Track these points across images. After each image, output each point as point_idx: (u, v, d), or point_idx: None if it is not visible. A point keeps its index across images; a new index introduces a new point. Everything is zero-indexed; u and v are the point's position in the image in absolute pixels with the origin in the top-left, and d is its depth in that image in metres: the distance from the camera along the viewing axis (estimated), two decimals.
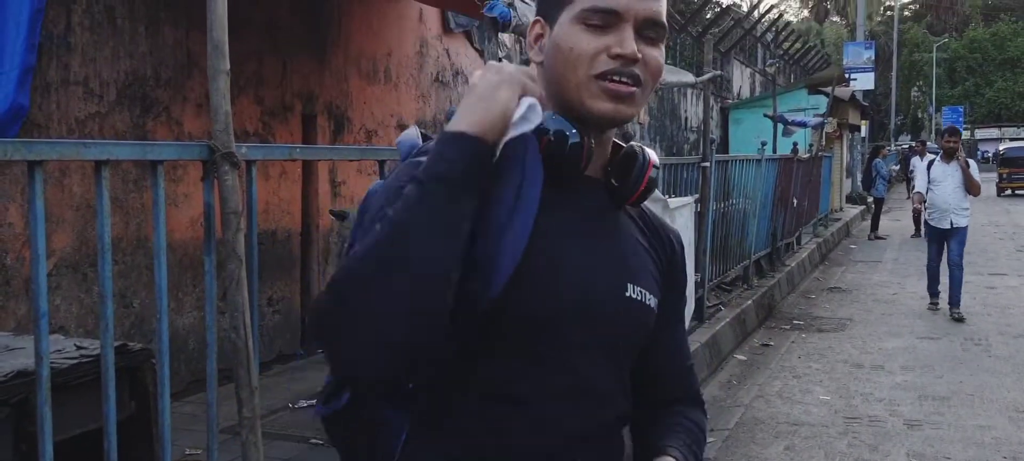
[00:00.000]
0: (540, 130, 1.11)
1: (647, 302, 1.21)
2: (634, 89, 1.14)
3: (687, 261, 5.99)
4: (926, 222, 8.72)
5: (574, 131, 1.12)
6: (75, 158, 1.93)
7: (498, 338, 1.12)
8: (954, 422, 5.20)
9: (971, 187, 8.36)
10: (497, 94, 1.07)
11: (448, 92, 7.86)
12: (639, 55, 1.13)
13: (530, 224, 1.08)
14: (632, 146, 1.23)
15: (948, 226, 8.35)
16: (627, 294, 1.19)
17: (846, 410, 5.47)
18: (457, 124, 1.06)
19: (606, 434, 1.20)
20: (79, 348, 2.28)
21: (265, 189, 5.74)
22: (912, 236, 14.98)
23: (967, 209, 8.44)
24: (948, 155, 8.48)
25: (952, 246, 8.33)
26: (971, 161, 8.65)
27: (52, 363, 1.95)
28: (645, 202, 1.29)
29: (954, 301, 8.28)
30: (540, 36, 1.19)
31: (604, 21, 1.12)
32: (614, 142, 1.24)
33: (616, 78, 1.12)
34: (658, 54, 1.16)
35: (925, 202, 8.68)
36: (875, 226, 15.47)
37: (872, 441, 4.89)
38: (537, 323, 1.13)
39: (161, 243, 2.05)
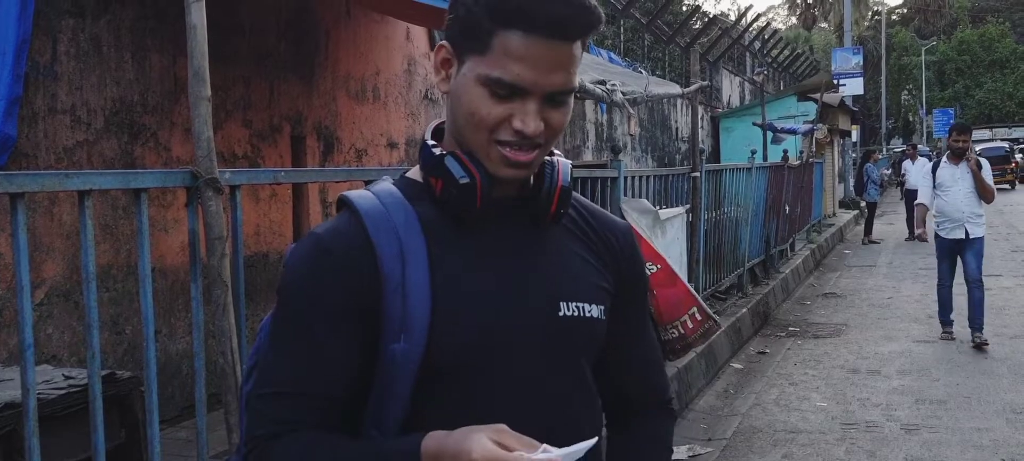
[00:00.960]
0: (433, 173, 1.16)
1: (587, 315, 1.20)
2: (533, 155, 1.14)
3: (681, 271, 5.93)
4: (936, 236, 7.45)
5: (465, 173, 1.13)
6: (58, 189, 1.92)
7: (436, 386, 1.13)
8: (951, 425, 5.20)
9: (984, 193, 7.26)
10: None
11: (437, 109, 7.87)
12: (541, 129, 1.12)
13: (424, 275, 1.12)
14: (547, 160, 1.21)
15: (962, 237, 7.25)
16: (561, 314, 1.18)
17: (843, 416, 5.46)
18: None
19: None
20: (67, 378, 2.27)
21: (255, 212, 5.73)
22: (906, 239, 15.02)
23: (982, 217, 7.33)
24: (957, 156, 7.35)
25: (968, 260, 7.23)
26: (983, 162, 7.46)
27: (40, 394, 1.95)
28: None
29: (976, 324, 7.12)
30: (447, 63, 1.17)
31: (510, 93, 1.11)
32: (546, 159, 1.22)
33: (516, 148, 1.13)
34: (562, 114, 1.15)
35: (921, 220, 7.64)
36: (869, 230, 15.51)
37: (870, 447, 4.88)
38: (468, 362, 1.13)
39: (146, 270, 2.04)
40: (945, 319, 7.57)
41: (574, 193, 1.27)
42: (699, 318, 5.64)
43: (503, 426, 1.05)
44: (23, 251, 1.77)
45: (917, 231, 7.92)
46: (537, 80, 1.10)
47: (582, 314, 1.19)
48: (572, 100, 1.16)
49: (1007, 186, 27.85)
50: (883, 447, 4.87)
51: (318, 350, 1.13)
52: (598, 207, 1.35)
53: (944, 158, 7.59)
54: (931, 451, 4.78)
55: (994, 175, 7.52)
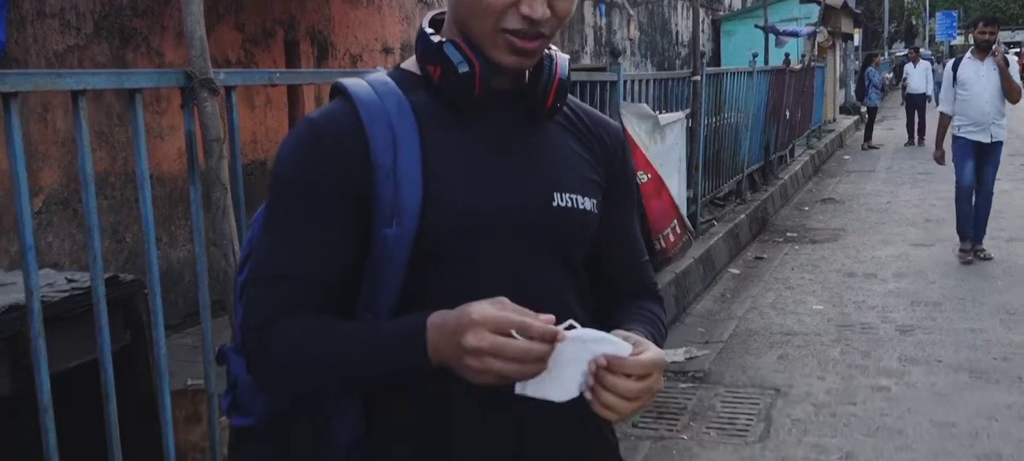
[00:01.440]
0: (431, 61, 1.15)
1: (580, 207, 1.20)
2: (538, 43, 1.13)
3: (679, 177, 5.93)
4: (955, 138, 6.86)
5: (464, 60, 1.13)
6: (51, 88, 1.89)
7: (429, 270, 1.14)
8: (946, 326, 5.27)
9: (1011, 92, 6.70)
10: (468, 369, 1.03)
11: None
12: (548, 14, 1.11)
13: (416, 161, 1.11)
14: (545, 53, 1.19)
15: (987, 140, 6.73)
16: (555, 204, 1.18)
17: (839, 318, 5.53)
18: (431, 354, 1.05)
19: None
20: (70, 281, 2.27)
21: (251, 119, 5.68)
22: (906, 145, 14.96)
23: (1005, 120, 6.82)
24: (982, 51, 6.79)
25: (987, 171, 6.77)
26: (1011, 58, 6.98)
27: (43, 297, 1.95)
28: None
29: (979, 236, 6.81)
30: None
31: None
32: (545, 52, 1.20)
33: (522, 36, 1.11)
34: (569, 1, 1.14)
35: (942, 134, 7.09)
36: (869, 136, 15.44)
37: (864, 347, 4.96)
38: (458, 244, 1.13)
39: (144, 173, 2.02)
40: (966, 230, 6.82)
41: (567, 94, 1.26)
42: (679, 231, 5.67)
43: (504, 298, 1.04)
44: (19, 153, 1.75)
45: (936, 154, 7.27)
46: None
47: (576, 206, 1.19)
48: None
49: None
50: (878, 348, 4.94)
51: (312, 234, 1.12)
52: (590, 107, 1.35)
53: (967, 54, 7.00)
54: (925, 351, 4.85)
55: None
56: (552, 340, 1.02)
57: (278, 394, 1.19)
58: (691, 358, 4.84)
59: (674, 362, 4.73)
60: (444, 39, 1.15)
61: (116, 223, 4.78)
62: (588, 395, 1.05)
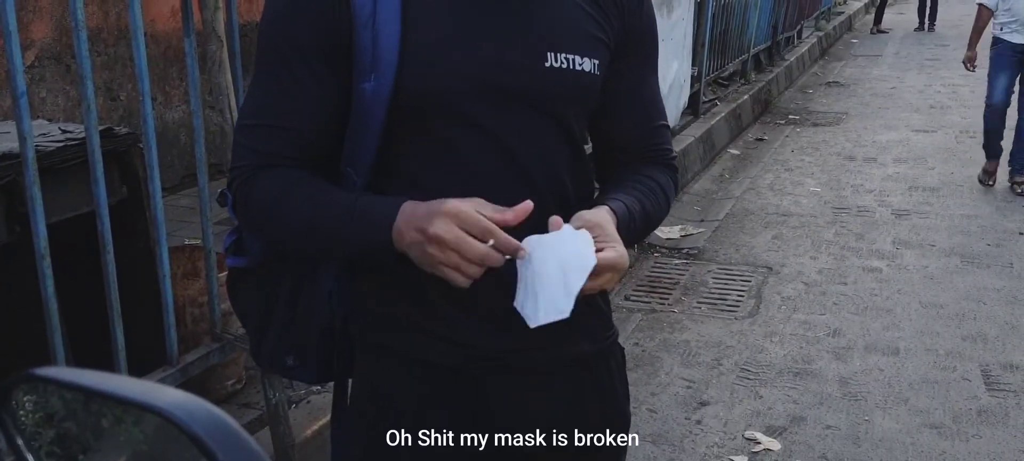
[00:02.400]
0: None
1: (577, 68, 1.14)
2: None
3: (684, 55, 5.81)
4: (997, 41, 5.62)
5: None
6: None
7: (410, 130, 1.11)
8: (941, 211, 5.29)
9: None
10: (428, 257, 1.04)
11: None
12: None
13: (395, 9, 1.07)
14: None
15: None
16: (546, 64, 1.13)
17: (835, 201, 5.55)
18: (395, 236, 1.06)
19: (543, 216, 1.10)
20: (65, 132, 2.25)
21: None
22: (915, 30, 14.63)
23: None
24: None
25: None
26: None
27: (37, 146, 1.92)
28: None
29: (1017, 163, 5.56)
30: None
31: None
32: None
33: None
34: None
35: (978, 34, 5.88)
36: (879, 19, 15.07)
37: (859, 230, 4.99)
38: (438, 102, 1.10)
39: (137, 23, 1.97)
40: (993, 150, 5.69)
41: None
42: None
43: (481, 200, 1.04)
44: None
45: (967, 55, 6.07)
46: None
47: (571, 66, 1.14)
48: None
49: None
50: (872, 230, 4.98)
51: (295, 85, 1.12)
52: None
53: None
54: (918, 234, 4.89)
55: None
56: (513, 252, 1.03)
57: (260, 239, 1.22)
58: (686, 235, 4.88)
59: (669, 239, 4.77)
60: None
61: (110, 80, 4.71)
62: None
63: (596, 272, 1.05)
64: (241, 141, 1.15)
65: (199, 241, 2.83)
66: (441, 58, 1.09)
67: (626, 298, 3.96)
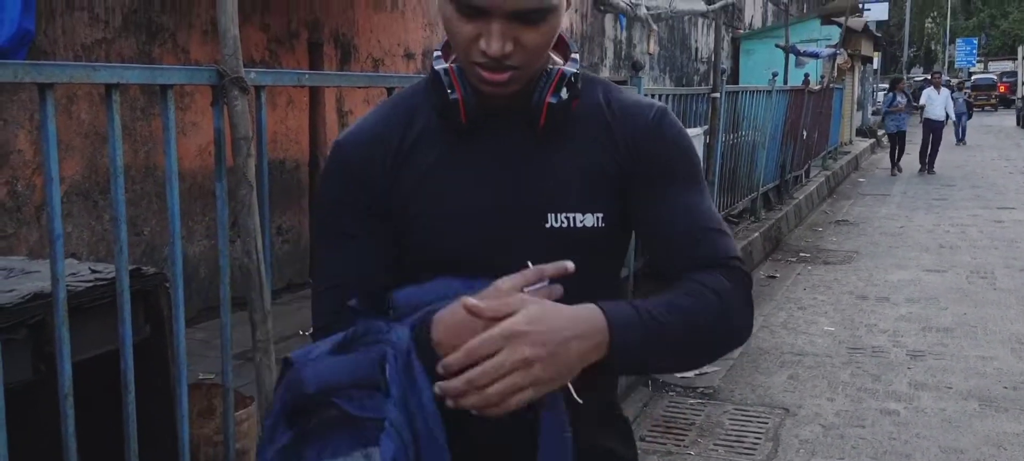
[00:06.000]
0: (433, 84, 1.19)
1: (577, 226, 1.17)
2: (508, 75, 1.12)
3: None
4: None
5: (451, 87, 1.16)
6: (85, 81, 1.92)
7: (422, 272, 1.20)
8: (957, 353, 5.26)
9: None
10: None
11: None
12: (507, 50, 1.09)
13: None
14: (548, 70, 1.18)
15: None
16: (548, 226, 1.17)
17: (850, 341, 5.52)
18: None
19: None
20: (94, 272, 2.31)
21: (272, 118, 5.72)
22: (918, 172, 14.82)
23: None
24: None
25: None
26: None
27: (68, 286, 1.98)
28: (624, 99, 1.23)
29: None
30: None
31: (470, 13, 1.09)
32: (549, 68, 1.19)
33: (487, 69, 1.11)
34: (540, 33, 1.10)
35: None
36: (899, 156, 15.08)
37: (875, 371, 4.95)
38: (441, 268, 1.17)
39: (173, 167, 2.06)
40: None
41: (609, 83, 1.26)
42: None
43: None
44: (52, 142, 1.78)
45: None
46: (493, 1, 1.07)
47: (572, 225, 1.17)
48: (555, 19, 1.12)
49: (991, 109, 34.93)
50: (888, 372, 4.93)
51: (352, 243, 1.21)
52: (630, 93, 1.28)
53: None
54: (935, 377, 4.84)
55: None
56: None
57: None
58: (701, 374, 4.85)
59: (683, 377, 4.74)
60: (445, 65, 1.18)
61: (135, 217, 4.83)
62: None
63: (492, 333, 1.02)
64: (316, 306, 1.24)
65: (213, 376, 2.85)
66: (452, 231, 1.18)
67: (641, 439, 3.90)
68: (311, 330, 1.26)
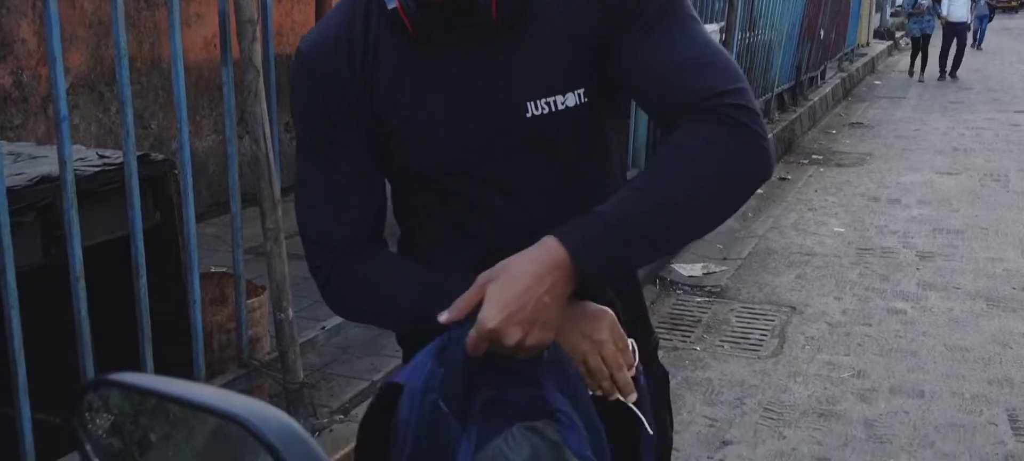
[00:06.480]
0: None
1: (559, 107, 1.11)
2: None
3: None
4: None
5: None
6: None
7: (421, 191, 1.19)
8: (966, 254, 5.25)
9: None
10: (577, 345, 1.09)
11: None
12: None
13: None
14: None
15: None
16: (528, 115, 1.11)
17: (859, 242, 5.52)
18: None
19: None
20: (102, 157, 2.29)
21: (278, 11, 5.61)
22: (939, 79, 14.45)
23: None
24: None
25: None
26: None
27: (76, 170, 1.97)
28: None
29: None
30: None
31: None
32: None
33: None
34: None
35: None
36: (923, 64, 14.52)
37: (883, 271, 4.95)
38: (439, 176, 1.15)
39: (178, 51, 2.02)
40: None
41: None
42: None
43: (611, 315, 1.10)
44: (54, 20, 1.74)
45: None
46: None
47: (554, 108, 1.11)
48: None
49: (1013, 11, 31.80)
50: (896, 272, 4.94)
51: (333, 147, 1.17)
52: None
53: None
54: (943, 277, 4.85)
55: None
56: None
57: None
58: (709, 274, 4.86)
59: (691, 276, 4.76)
60: None
61: (142, 109, 4.79)
62: None
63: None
64: (308, 219, 1.19)
65: (226, 269, 2.86)
66: (419, 147, 1.14)
67: None
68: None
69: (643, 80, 1.11)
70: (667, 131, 1.09)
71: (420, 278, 1.15)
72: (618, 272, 1.13)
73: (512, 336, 1.00)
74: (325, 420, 2.73)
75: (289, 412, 2.43)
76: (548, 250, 1.02)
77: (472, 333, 1.01)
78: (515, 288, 1.00)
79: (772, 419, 3.28)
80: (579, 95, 1.11)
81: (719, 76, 1.06)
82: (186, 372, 2.30)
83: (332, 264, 1.16)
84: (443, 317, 1.03)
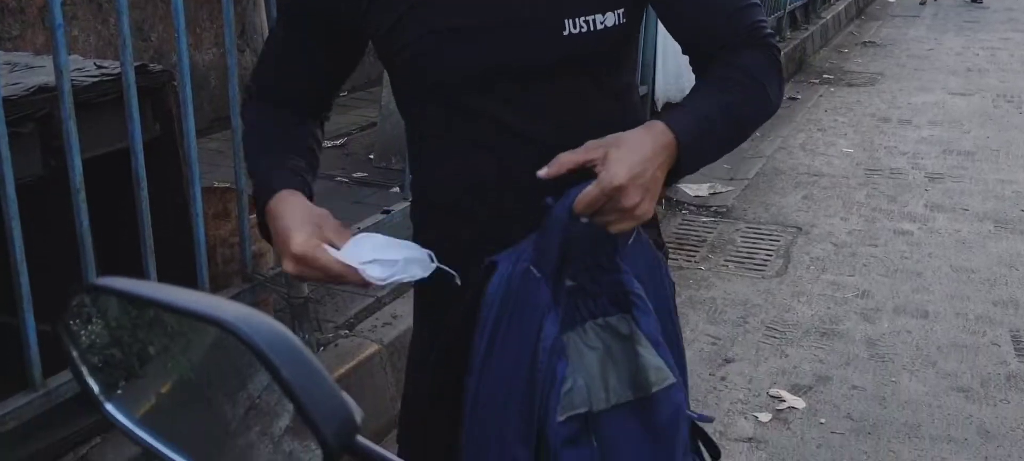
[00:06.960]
0: None
1: (598, 27, 1.09)
2: None
3: None
4: None
5: None
6: None
7: (435, 104, 1.17)
8: (976, 176, 5.21)
9: None
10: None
11: None
12: None
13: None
14: None
15: None
16: (565, 33, 1.09)
17: (868, 162, 5.47)
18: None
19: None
20: (99, 67, 2.25)
21: None
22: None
23: None
24: None
25: None
26: None
27: (73, 80, 1.93)
28: None
29: None
30: None
31: None
32: None
33: None
34: None
35: None
36: None
37: (891, 192, 4.92)
38: (451, 89, 1.13)
39: None
40: None
41: None
42: None
43: (325, 212, 1.08)
44: None
45: None
46: None
47: (592, 27, 1.09)
48: None
49: None
50: (904, 193, 4.91)
51: (297, 43, 1.23)
52: None
53: None
54: (951, 199, 4.82)
55: None
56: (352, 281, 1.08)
57: None
58: (715, 193, 4.83)
59: (697, 196, 4.73)
60: None
61: (141, 21, 4.71)
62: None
63: (599, 210, 1.04)
64: (261, 71, 1.30)
65: (230, 184, 2.84)
66: (445, 50, 1.09)
67: None
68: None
69: (688, 13, 1.15)
70: (707, 54, 1.16)
71: (264, 149, 1.22)
72: (698, 167, 1.16)
73: (633, 196, 1.02)
74: (330, 335, 2.74)
75: (293, 327, 2.44)
76: (662, 132, 1.06)
77: (592, 189, 1.02)
78: (640, 154, 1.03)
79: (775, 337, 3.30)
80: (619, 15, 1.11)
81: (760, 14, 1.18)
82: (190, 286, 2.30)
83: (247, 98, 1.31)
84: (542, 172, 1.05)
